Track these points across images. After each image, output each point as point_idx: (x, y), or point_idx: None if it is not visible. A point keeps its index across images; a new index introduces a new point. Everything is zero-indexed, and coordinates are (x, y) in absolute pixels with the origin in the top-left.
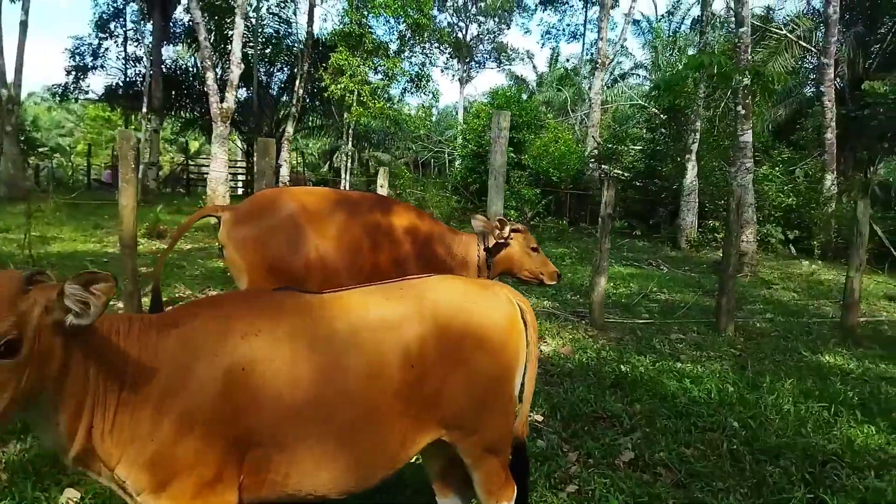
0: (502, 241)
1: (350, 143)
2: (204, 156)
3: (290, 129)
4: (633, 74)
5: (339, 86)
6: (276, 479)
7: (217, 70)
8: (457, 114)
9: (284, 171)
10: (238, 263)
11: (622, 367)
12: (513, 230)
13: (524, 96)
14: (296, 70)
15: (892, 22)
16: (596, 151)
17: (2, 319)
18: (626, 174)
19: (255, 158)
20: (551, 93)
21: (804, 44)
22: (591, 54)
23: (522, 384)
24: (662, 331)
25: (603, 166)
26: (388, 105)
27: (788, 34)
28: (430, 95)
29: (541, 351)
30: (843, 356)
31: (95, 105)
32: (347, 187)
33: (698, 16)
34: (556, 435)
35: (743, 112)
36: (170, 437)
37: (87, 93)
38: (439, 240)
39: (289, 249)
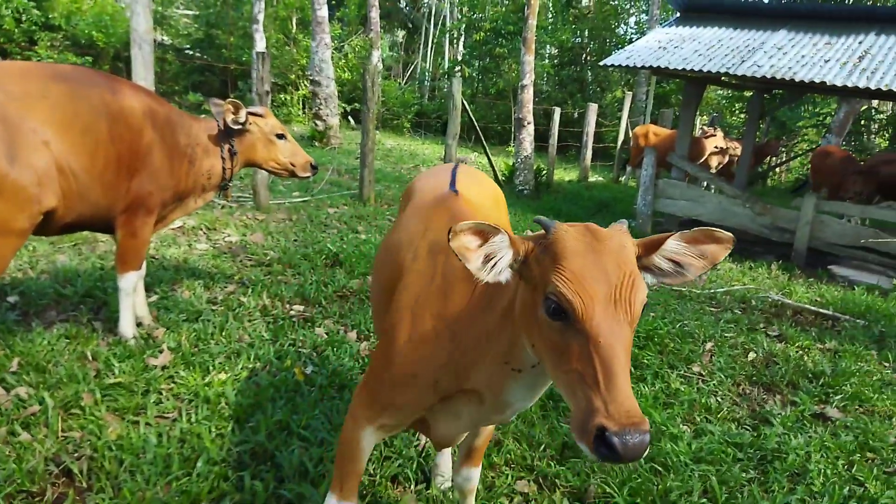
0: (238, 126)
1: None
2: None
3: None
4: None
5: None
6: None
7: None
8: None
9: None
10: None
11: (330, 246)
12: (251, 114)
13: None
14: None
15: None
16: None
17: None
18: (179, 41)
19: None
20: None
21: None
22: None
23: None
24: (318, 206)
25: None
26: None
27: None
28: None
29: (231, 242)
30: None
31: None
32: None
33: None
34: (328, 319)
35: None
36: None
37: None
38: (180, 126)
39: (9, 157)
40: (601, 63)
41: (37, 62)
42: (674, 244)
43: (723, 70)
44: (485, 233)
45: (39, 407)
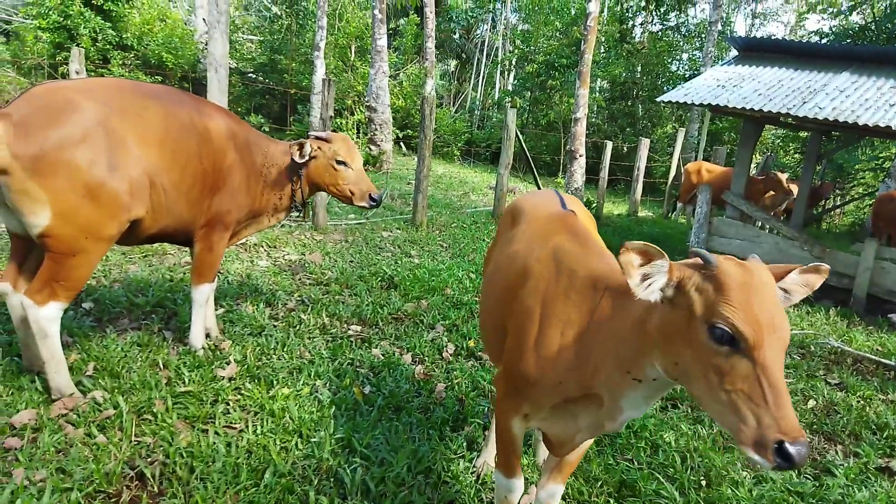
0: (304, 160)
1: None
2: None
3: None
4: None
5: None
6: None
7: None
8: None
9: None
10: (33, 194)
11: (385, 268)
12: (318, 138)
13: None
14: None
15: None
16: (207, 37)
17: None
18: (243, 65)
19: None
20: None
21: None
22: None
23: None
24: (373, 229)
25: None
26: None
27: None
28: None
29: (291, 261)
30: None
31: None
32: None
33: None
34: (384, 341)
35: (380, 17)
36: None
37: None
38: (257, 147)
39: (109, 166)
40: (658, 99)
41: (129, 80)
42: (793, 275)
43: (783, 111)
44: (650, 254)
45: (114, 411)
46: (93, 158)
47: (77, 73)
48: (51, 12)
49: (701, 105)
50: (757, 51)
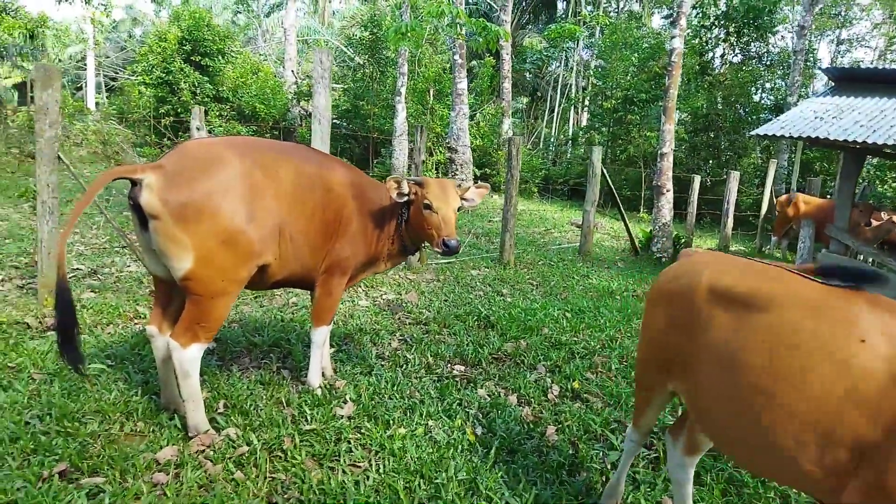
0: (403, 199)
1: None
2: None
3: None
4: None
5: None
6: None
7: None
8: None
9: None
10: (179, 239)
11: (480, 308)
12: (415, 182)
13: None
14: None
15: None
16: (296, 88)
17: None
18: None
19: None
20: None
21: None
22: None
23: None
24: (462, 268)
25: (302, 103)
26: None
27: None
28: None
29: (389, 300)
30: (602, 277)
31: None
32: None
33: None
34: (489, 381)
35: (460, 62)
36: None
37: None
38: (375, 195)
39: (248, 216)
40: (752, 133)
41: (268, 139)
42: None
43: (890, 142)
44: None
45: (248, 448)
46: (234, 208)
47: (198, 129)
48: (154, 69)
49: (799, 138)
50: (853, 80)
